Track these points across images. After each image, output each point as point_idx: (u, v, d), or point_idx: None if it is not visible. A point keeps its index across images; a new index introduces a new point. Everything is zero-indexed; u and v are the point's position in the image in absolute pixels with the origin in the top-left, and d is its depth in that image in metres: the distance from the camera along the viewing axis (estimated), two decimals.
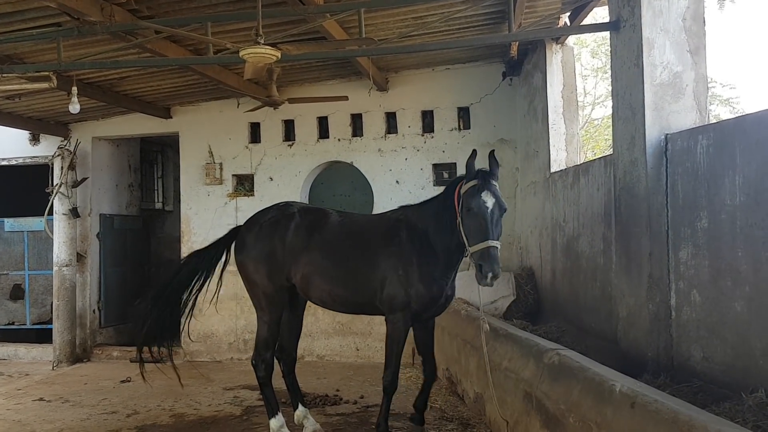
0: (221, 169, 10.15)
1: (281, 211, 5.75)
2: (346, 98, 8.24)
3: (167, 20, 5.98)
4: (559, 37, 7.77)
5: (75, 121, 10.43)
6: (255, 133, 10.15)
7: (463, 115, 9.48)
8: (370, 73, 7.68)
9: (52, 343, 10.07)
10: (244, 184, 10.18)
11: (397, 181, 9.50)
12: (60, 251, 9.99)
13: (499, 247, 4.56)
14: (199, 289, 5.89)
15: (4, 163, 11.02)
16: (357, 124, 9.75)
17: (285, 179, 9.89)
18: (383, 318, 5.31)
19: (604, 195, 6.07)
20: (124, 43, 6.20)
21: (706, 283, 4.29)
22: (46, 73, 6.36)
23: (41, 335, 10.80)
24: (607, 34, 5.72)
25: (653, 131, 4.85)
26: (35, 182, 10.82)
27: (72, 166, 10.16)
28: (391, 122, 9.65)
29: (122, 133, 10.82)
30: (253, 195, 10.02)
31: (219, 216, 10.11)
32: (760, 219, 3.72)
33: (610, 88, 6.40)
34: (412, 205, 5.51)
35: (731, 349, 4.05)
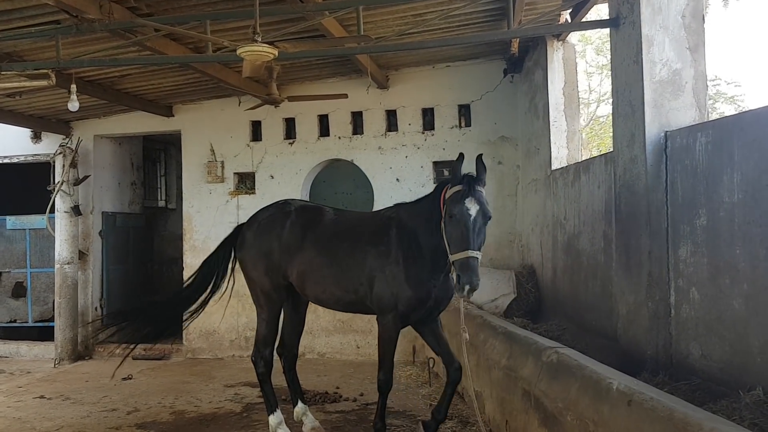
0: (223, 167, 10.16)
1: (279, 209, 5.79)
2: (345, 96, 8.23)
3: (166, 18, 5.98)
4: (560, 34, 7.74)
5: (77, 119, 10.44)
6: (256, 131, 10.16)
7: (464, 113, 9.46)
8: (369, 70, 7.66)
9: (53, 340, 10.09)
10: (246, 182, 10.20)
11: (397, 179, 9.49)
12: (62, 249, 10.01)
13: (479, 257, 4.41)
14: (213, 291, 5.99)
15: (6, 161, 11.04)
16: (357, 122, 9.74)
17: (286, 177, 9.90)
18: None
19: (604, 192, 6.05)
20: (123, 41, 6.20)
21: (705, 281, 4.28)
22: (45, 71, 6.37)
23: (43, 333, 10.80)
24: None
25: (653, 128, 4.83)
26: (37, 180, 10.83)
27: (74, 164, 10.18)
28: (392, 120, 9.64)
29: (124, 131, 10.84)
30: (254, 193, 10.03)
31: (221, 214, 10.13)
32: (757, 216, 3.71)
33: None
34: (405, 203, 5.40)
35: (729, 346, 4.03)
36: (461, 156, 4.70)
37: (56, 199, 10.07)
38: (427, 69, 9.47)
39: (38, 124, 10.28)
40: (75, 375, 9.01)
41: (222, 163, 10.15)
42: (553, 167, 7.72)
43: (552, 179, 7.66)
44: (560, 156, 7.79)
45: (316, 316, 9.22)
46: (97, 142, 10.74)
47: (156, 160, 13.30)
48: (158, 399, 7.35)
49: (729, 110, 18.55)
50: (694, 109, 4.86)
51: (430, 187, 9.10)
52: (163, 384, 8.14)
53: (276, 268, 5.52)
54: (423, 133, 9.49)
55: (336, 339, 9.60)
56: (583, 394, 3.73)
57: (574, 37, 8.05)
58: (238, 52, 4.74)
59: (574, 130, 7.94)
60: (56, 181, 10.14)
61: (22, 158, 10.97)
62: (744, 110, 4.86)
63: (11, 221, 10.95)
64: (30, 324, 10.93)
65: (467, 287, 4.31)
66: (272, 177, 9.97)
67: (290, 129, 10.02)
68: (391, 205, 5.61)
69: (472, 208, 4.46)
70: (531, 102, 8.65)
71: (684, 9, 4.86)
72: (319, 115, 9.80)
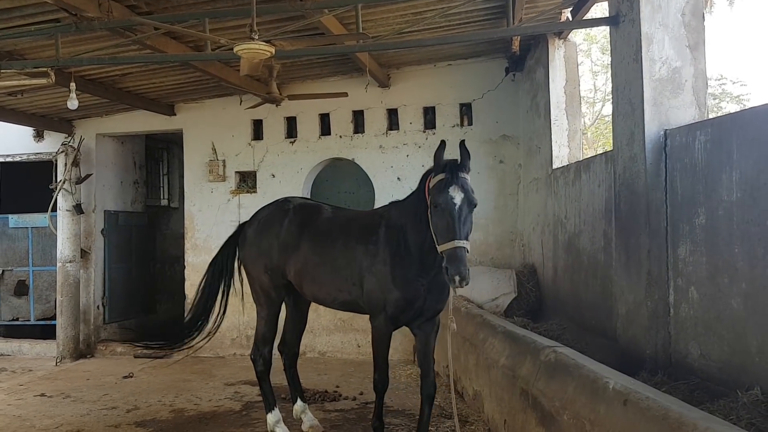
0: (224, 166, 10.17)
1: (279, 207, 5.80)
2: (345, 95, 8.22)
3: (165, 16, 5.98)
4: (562, 32, 7.71)
5: (79, 117, 10.46)
6: (258, 130, 10.17)
7: (466, 111, 9.44)
8: (367, 68, 7.63)
9: (55, 339, 10.11)
10: (247, 181, 10.20)
11: (398, 178, 9.47)
12: (64, 247, 10.03)
13: (466, 247, 4.21)
14: (226, 290, 6.04)
15: (9, 159, 11.08)
16: (359, 120, 9.73)
17: (287, 176, 9.90)
18: None
19: (605, 191, 6.02)
20: (123, 39, 6.20)
21: (704, 280, 4.26)
22: (44, 70, 6.38)
23: (45, 331, 10.82)
24: None
25: (652, 127, 4.81)
26: (39, 178, 10.85)
27: (76, 163, 10.19)
28: (393, 119, 9.63)
29: (126, 130, 10.85)
30: (255, 192, 10.03)
31: (222, 213, 10.14)
32: (756, 215, 3.68)
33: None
34: (398, 201, 5.23)
35: (728, 346, 4.01)
36: (443, 143, 4.55)
37: (58, 197, 10.08)
38: (429, 67, 9.45)
39: (40, 122, 10.29)
40: (76, 373, 9.03)
41: (223, 161, 10.16)
42: (554, 166, 7.69)
43: (553, 178, 7.64)
44: (561, 155, 7.77)
45: (317, 314, 9.21)
46: (99, 140, 10.76)
47: (159, 159, 13.31)
48: (158, 397, 7.36)
49: (734, 109, 18.47)
50: (693, 107, 4.83)
51: None
52: (163, 382, 8.15)
53: (275, 267, 5.52)
54: (424, 131, 9.47)
55: (337, 338, 9.60)
56: (579, 394, 3.72)
57: (579, 35, 8.06)
58: (234, 50, 4.74)
59: (576, 128, 7.91)
60: (58, 180, 10.15)
61: (25, 157, 11.00)
62: (743, 108, 4.81)
63: (14, 219, 10.98)
64: (32, 322, 10.95)
65: (457, 278, 4.12)
66: (273, 176, 9.97)
67: (291, 128, 10.02)
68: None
69: (457, 197, 4.30)
70: (532, 100, 8.63)
71: (684, 7, 4.84)
72: (320, 114, 9.80)
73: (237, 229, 6.07)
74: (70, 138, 10.59)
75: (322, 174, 10.53)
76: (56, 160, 10.32)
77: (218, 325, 6.16)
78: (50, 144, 10.73)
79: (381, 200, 9.37)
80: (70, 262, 10.04)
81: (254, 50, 4.70)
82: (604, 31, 17.37)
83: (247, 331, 9.84)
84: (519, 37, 7.71)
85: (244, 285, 6.00)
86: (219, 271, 6.03)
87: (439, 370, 6.25)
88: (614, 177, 5.38)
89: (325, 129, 9.85)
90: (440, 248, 4.29)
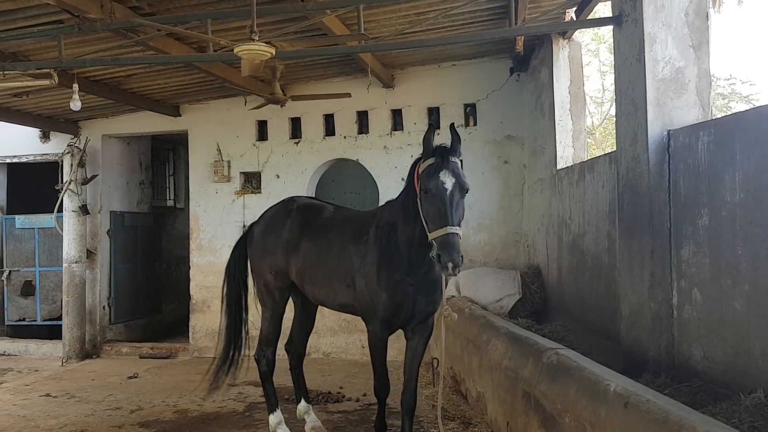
0: (229, 166, 10.18)
1: (283, 207, 5.82)
2: (348, 95, 8.22)
3: (167, 18, 5.99)
4: (566, 32, 7.67)
5: (85, 118, 10.51)
6: (262, 130, 10.17)
7: (470, 112, 9.40)
8: (369, 69, 7.62)
9: (62, 339, 10.15)
10: (252, 182, 10.21)
11: (402, 179, 9.38)
12: (69, 248, 10.07)
13: (459, 233, 4.03)
14: (245, 293, 6.08)
15: (15, 160, 11.14)
16: (363, 121, 9.72)
17: (291, 177, 9.90)
18: None
19: (608, 192, 5.98)
20: (126, 40, 6.22)
21: (707, 282, 4.22)
22: (47, 71, 6.40)
23: (52, 331, 10.88)
24: None
25: (655, 127, 4.76)
26: (46, 179, 10.91)
27: (82, 164, 10.24)
28: (397, 119, 9.61)
29: (132, 131, 10.89)
30: (260, 192, 10.04)
31: (227, 213, 10.16)
32: (759, 216, 3.64)
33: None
34: (392, 200, 5.13)
35: (731, 348, 3.97)
36: (431, 126, 4.41)
37: (64, 198, 10.13)
38: (433, 68, 9.42)
39: (46, 123, 10.35)
40: (82, 373, 9.06)
41: (228, 162, 10.17)
42: (559, 167, 7.65)
43: (557, 179, 7.60)
44: (566, 155, 7.73)
45: (322, 315, 9.15)
46: (105, 141, 10.80)
47: (165, 160, 13.35)
48: (162, 398, 7.38)
49: (742, 109, 18.32)
50: (697, 107, 4.79)
51: None
52: (168, 383, 8.16)
53: (278, 267, 5.52)
54: None
55: (341, 339, 9.59)
56: (581, 396, 3.70)
57: (587, 35, 8.05)
58: (235, 51, 4.73)
59: (580, 129, 7.87)
60: (64, 181, 10.19)
61: (31, 158, 11.06)
62: (746, 109, 4.77)
63: (20, 220, 11.04)
64: (38, 322, 11.02)
65: (450, 265, 3.95)
66: (278, 176, 9.97)
67: (296, 128, 10.03)
68: None
69: (448, 181, 4.14)
70: (537, 101, 8.59)
71: (687, 6, 4.79)
72: (324, 115, 9.79)
73: (247, 230, 6.06)
74: (76, 139, 10.63)
75: (327, 175, 10.52)
76: (62, 161, 10.38)
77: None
78: (56, 145, 10.77)
79: (385, 201, 9.33)
80: (76, 262, 10.08)
81: (254, 51, 4.70)
82: (612, 30, 17.30)
83: (252, 332, 9.80)
84: (523, 37, 7.68)
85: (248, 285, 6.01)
86: (232, 275, 6.00)
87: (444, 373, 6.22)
88: (617, 178, 5.34)
89: (330, 130, 9.84)
90: (431, 236, 4.10)
